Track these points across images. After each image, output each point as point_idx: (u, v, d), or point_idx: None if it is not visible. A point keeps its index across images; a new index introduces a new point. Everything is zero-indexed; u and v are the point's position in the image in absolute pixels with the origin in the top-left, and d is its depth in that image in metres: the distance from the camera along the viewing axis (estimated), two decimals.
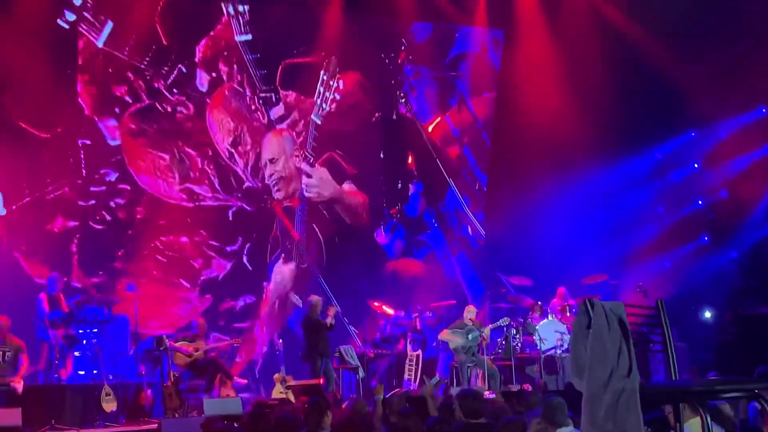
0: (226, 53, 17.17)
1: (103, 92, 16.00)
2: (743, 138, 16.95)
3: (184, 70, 16.67)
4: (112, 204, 15.93)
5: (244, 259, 17.00)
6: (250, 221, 17.17)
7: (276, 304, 17.07)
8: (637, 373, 3.87)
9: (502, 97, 19.20)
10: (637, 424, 3.76)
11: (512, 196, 18.19)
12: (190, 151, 16.74)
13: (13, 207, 14.87)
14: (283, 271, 17.29)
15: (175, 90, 16.55)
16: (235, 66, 17.23)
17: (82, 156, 15.74)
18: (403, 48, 19.32)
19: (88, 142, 15.79)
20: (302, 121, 17.93)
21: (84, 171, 15.73)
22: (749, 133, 16.96)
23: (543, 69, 18.08)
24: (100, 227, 15.76)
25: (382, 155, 19.09)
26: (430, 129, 19.47)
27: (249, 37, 17.24)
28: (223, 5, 17.12)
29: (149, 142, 16.39)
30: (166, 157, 16.50)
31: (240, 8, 17.12)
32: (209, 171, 16.89)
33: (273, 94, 17.57)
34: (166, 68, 16.51)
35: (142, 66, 16.25)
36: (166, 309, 16.03)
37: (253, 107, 17.38)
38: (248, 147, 17.29)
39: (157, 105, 16.47)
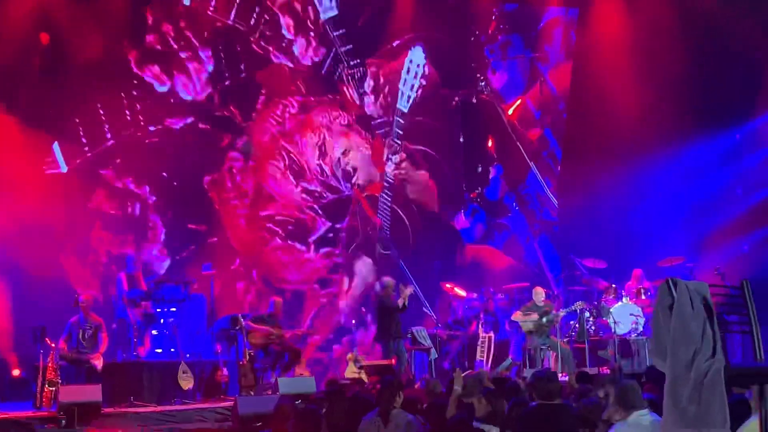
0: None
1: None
2: None
3: (267, 18, 16.83)
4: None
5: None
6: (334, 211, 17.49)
7: (357, 295, 17.26)
8: (722, 354, 3.80)
9: (577, 77, 19.00)
10: (721, 406, 3.69)
11: (586, 177, 17.97)
12: (294, 149, 17.04)
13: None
14: (365, 262, 17.45)
15: (263, 43, 16.67)
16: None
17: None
18: (494, 17, 19.28)
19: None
20: (388, 100, 18.04)
21: None
22: None
23: (618, 47, 17.84)
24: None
25: (461, 139, 19.06)
26: (510, 111, 19.38)
27: (335, 12, 17.34)
28: None
29: (265, 152, 16.78)
30: (280, 163, 16.80)
31: None
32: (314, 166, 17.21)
33: (361, 68, 17.68)
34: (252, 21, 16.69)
35: (229, 22, 16.41)
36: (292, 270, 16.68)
37: (335, 114, 17.47)
38: (330, 149, 17.48)
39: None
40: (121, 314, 13.60)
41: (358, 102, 17.77)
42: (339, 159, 17.45)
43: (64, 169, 14.87)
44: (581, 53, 19.05)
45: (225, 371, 13.32)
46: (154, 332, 13.76)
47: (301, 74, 17.18)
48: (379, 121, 17.95)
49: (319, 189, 17.18)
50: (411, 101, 17.99)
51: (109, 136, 15.34)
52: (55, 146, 14.76)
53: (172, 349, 13.64)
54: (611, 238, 17.47)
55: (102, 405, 10.91)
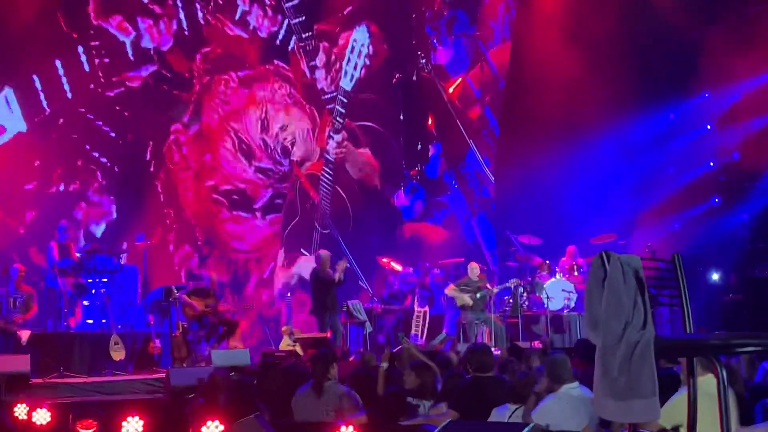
0: None
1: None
2: (757, 100, 16.78)
3: None
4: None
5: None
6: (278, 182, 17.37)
7: (291, 271, 17.23)
8: (652, 326, 3.85)
9: (515, 54, 19.08)
10: (650, 377, 3.74)
11: (523, 154, 18.11)
12: (240, 127, 16.85)
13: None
14: (301, 239, 17.43)
15: (219, 15, 16.45)
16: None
17: None
18: None
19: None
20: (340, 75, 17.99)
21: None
22: (763, 96, 16.79)
23: (557, 27, 17.93)
24: None
25: (401, 116, 19.04)
26: (450, 90, 19.40)
27: None
28: None
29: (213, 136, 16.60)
30: (228, 144, 16.60)
31: None
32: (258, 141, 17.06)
33: (313, 41, 17.55)
34: None
35: None
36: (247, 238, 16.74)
37: (276, 86, 17.28)
38: (273, 124, 17.33)
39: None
40: (51, 284, 13.34)
41: (308, 75, 17.66)
42: (277, 134, 17.31)
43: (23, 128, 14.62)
44: (520, 30, 19.14)
45: (157, 343, 13.16)
46: (85, 303, 13.52)
47: (255, 45, 17.04)
48: (328, 96, 17.88)
49: (272, 166, 17.08)
50: (354, 80, 17.94)
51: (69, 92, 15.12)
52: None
53: (104, 320, 13.42)
54: (546, 215, 17.66)
55: (30, 376, 10.71)
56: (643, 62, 17.09)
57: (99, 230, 15.38)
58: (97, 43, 15.41)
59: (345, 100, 17.84)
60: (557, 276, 15.27)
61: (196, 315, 13.28)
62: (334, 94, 17.93)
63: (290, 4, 17.21)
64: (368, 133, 18.40)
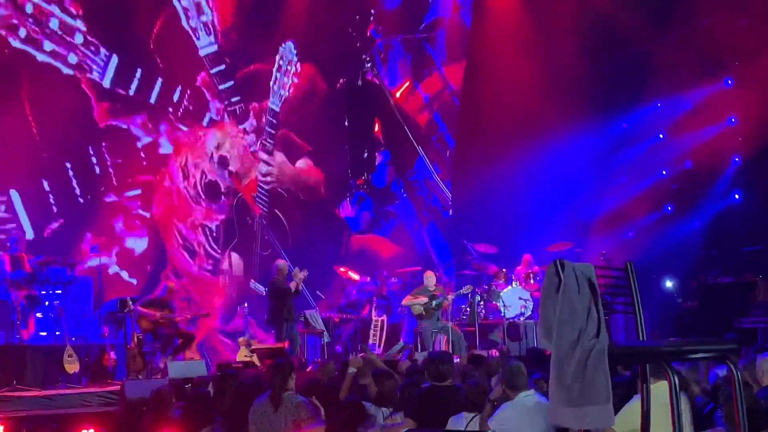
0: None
1: None
2: (708, 109, 17.02)
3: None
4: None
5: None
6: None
7: (234, 292, 17.09)
8: (605, 334, 3.89)
9: (471, 65, 19.14)
10: (605, 384, 3.78)
11: (479, 164, 18.19)
12: (183, 225, 16.80)
13: None
14: (238, 261, 17.26)
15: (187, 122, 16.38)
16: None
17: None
18: (371, 19, 18.85)
19: None
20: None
21: None
22: (714, 105, 17.03)
23: (512, 36, 18.05)
24: None
25: (346, 123, 18.66)
26: (397, 95, 19.01)
27: (215, 48, 16.99)
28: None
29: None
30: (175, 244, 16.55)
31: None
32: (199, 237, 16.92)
33: (241, 105, 17.39)
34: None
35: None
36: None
37: (200, 133, 17.08)
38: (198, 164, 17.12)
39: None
40: (4, 296, 13.15)
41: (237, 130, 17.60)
42: (212, 153, 17.08)
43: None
44: (474, 42, 19.18)
45: (112, 355, 13.07)
46: (38, 315, 13.38)
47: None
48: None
49: (210, 267, 16.96)
50: (282, 99, 17.66)
51: None
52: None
53: (58, 332, 13.27)
54: (502, 223, 17.75)
55: None
56: (596, 72, 17.27)
57: None
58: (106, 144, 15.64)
59: (274, 121, 17.54)
60: (513, 284, 15.37)
61: (151, 326, 13.17)
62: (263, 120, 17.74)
63: (217, 70, 17.13)
64: (308, 142, 18.07)
